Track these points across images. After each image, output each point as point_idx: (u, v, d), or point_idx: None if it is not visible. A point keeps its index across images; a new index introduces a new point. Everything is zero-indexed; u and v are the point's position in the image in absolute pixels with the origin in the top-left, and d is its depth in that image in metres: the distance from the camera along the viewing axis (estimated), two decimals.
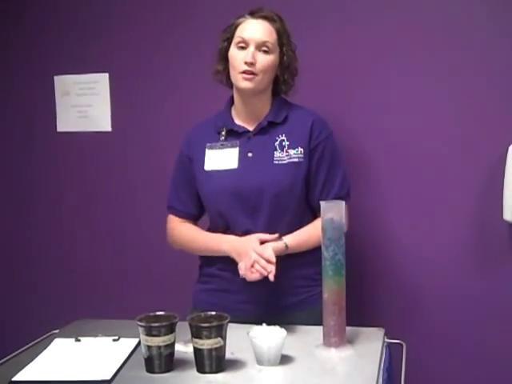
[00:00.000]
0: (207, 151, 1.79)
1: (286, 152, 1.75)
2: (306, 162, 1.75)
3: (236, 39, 1.73)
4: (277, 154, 1.75)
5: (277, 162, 1.74)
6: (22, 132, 2.64)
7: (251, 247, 1.63)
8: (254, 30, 1.72)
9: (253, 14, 1.74)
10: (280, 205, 1.73)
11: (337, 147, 1.82)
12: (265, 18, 1.73)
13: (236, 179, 1.73)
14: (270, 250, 1.62)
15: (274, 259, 1.59)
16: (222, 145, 1.78)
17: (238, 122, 1.80)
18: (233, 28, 1.75)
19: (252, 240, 1.67)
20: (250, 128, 1.79)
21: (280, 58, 1.75)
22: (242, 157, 1.75)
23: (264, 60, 1.71)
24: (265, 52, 1.71)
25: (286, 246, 1.70)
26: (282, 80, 1.78)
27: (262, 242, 1.66)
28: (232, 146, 1.77)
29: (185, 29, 2.38)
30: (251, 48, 1.70)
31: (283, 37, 1.74)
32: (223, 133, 1.79)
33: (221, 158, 1.77)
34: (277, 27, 1.74)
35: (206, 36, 2.28)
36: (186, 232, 1.85)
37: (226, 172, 1.75)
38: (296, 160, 1.74)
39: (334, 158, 1.79)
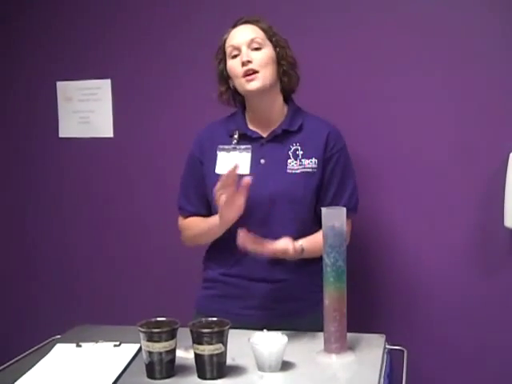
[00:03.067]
0: (219, 154, 1.77)
1: (300, 161, 1.74)
2: (319, 173, 1.75)
3: (228, 51, 1.76)
4: (290, 162, 1.74)
5: (290, 171, 1.73)
6: (23, 137, 2.64)
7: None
8: (240, 34, 1.75)
9: (234, 25, 1.78)
10: (291, 214, 1.72)
11: (349, 159, 1.81)
12: (246, 22, 1.77)
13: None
14: (284, 242, 1.62)
15: (278, 246, 1.60)
16: (234, 148, 1.76)
17: (251, 127, 1.80)
18: (222, 46, 1.79)
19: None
20: (264, 134, 1.78)
21: (274, 51, 1.76)
22: (254, 163, 1.73)
23: (259, 55, 1.72)
24: (257, 49, 1.73)
25: (302, 249, 1.67)
26: (281, 71, 1.77)
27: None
28: (245, 151, 1.75)
29: (186, 35, 2.39)
30: (244, 49, 1.72)
31: (269, 32, 1.77)
32: (236, 136, 1.78)
33: (232, 162, 1.73)
34: (260, 26, 1.76)
35: (207, 42, 2.28)
36: (191, 223, 1.84)
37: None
38: (309, 170, 1.74)
39: (346, 170, 1.79)
